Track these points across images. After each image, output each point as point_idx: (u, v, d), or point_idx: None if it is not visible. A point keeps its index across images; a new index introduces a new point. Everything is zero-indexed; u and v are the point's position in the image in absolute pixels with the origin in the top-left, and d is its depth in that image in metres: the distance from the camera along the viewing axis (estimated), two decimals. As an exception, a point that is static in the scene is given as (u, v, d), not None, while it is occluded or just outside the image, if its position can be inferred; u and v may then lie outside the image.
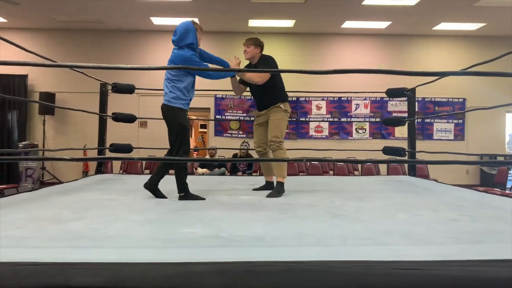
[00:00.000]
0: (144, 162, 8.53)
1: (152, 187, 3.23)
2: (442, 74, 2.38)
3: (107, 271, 1.31)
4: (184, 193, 3.15)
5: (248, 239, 1.86)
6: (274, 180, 3.60)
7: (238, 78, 3.70)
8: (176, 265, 1.38)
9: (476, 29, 9.32)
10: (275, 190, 3.45)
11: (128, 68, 2.20)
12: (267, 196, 3.32)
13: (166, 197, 3.18)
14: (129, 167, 8.10)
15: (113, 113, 4.65)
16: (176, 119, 3.24)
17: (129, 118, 4.79)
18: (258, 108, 3.76)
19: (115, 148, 4.53)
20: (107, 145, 4.79)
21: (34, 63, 2.20)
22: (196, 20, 8.74)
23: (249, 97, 9.72)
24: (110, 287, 1.26)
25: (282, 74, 3.70)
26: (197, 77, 3.42)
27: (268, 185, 3.75)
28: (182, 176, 3.18)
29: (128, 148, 4.60)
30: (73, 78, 8.63)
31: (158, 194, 3.21)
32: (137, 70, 2.15)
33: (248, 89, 3.82)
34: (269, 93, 3.62)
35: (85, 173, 8.95)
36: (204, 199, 3.14)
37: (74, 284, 1.30)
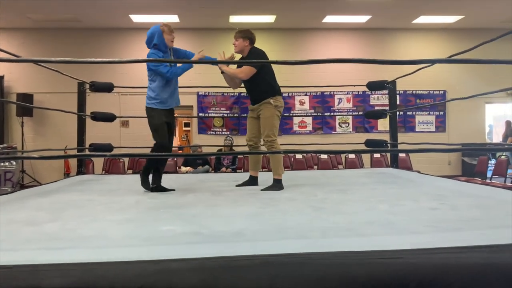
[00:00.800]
0: (126, 162, 8.41)
1: (159, 188, 3.34)
2: (419, 62, 2.38)
3: (77, 271, 1.26)
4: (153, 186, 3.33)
5: (228, 235, 1.83)
6: (264, 175, 3.62)
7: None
8: (151, 263, 1.34)
9: (454, 21, 9.45)
10: (272, 185, 3.41)
11: (101, 62, 2.14)
12: (262, 190, 3.32)
13: (174, 189, 3.37)
14: (111, 167, 7.97)
15: (91, 113, 4.57)
16: (148, 118, 3.42)
17: (108, 117, 4.71)
18: (251, 101, 3.69)
19: (95, 148, 4.45)
20: (87, 145, 4.70)
21: (6, 59, 2.12)
22: (175, 17, 8.68)
23: (232, 94, 9.69)
24: (81, 287, 1.22)
25: None
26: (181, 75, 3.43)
27: (251, 180, 3.70)
28: (147, 168, 3.38)
29: (108, 148, 4.53)
30: (51, 78, 8.47)
31: (165, 189, 3.35)
32: (111, 63, 2.10)
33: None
34: (258, 87, 3.54)
35: (67, 175, 8.79)
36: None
37: (45, 286, 1.26)
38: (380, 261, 1.35)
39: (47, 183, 4.25)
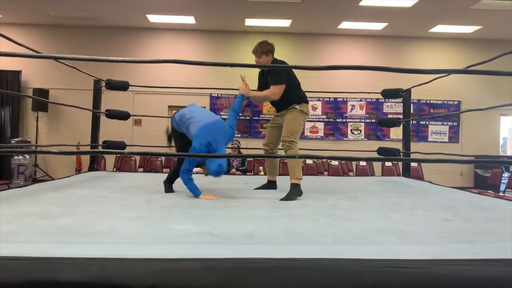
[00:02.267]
0: (137, 160, 8.48)
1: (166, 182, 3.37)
2: (435, 72, 2.37)
3: (93, 266, 1.28)
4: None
5: (239, 237, 1.83)
6: (280, 180, 3.54)
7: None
8: (164, 261, 1.35)
9: (472, 32, 9.36)
10: (289, 192, 3.19)
11: (119, 60, 2.17)
12: (281, 199, 3.06)
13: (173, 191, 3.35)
14: (123, 165, 8.05)
15: (106, 110, 4.62)
16: None
17: (122, 115, 4.76)
18: (276, 110, 3.62)
19: (108, 145, 4.50)
20: (100, 143, 4.75)
21: (25, 54, 2.16)
22: (191, 18, 8.75)
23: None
24: (96, 282, 1.24)
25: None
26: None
27: (270, 184, 3.66)
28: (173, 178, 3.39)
29: (121, 145, 4.57)
30: (67, 74, 8.59)
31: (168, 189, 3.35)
32: (129, 63, 2.12)
33: None
34: (284, 98, 3.45)
35: (78, 171, 8.89)
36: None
37: (61, 279, 1.27)
38: (393, 270, 1.34)
39: (60, 178, 4.31)
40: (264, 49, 3.45)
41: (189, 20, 8.94)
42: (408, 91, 4.92)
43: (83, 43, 9.46)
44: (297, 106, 3.44)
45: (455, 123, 9.98)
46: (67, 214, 2.27)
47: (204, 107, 9.73)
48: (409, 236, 1.94)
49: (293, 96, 3.46)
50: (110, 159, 8.62)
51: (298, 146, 3.45)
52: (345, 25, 9.14)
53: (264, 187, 3.66)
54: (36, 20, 9.25)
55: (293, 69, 3.52)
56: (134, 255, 1.40)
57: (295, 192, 3.21)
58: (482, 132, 9.96)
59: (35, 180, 8.58)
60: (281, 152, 3.64)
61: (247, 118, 9.60)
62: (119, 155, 8.36)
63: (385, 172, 7.99)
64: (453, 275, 1.37)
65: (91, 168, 5.02)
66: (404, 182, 4.61)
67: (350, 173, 8.54)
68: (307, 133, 9.61)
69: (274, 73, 3.42)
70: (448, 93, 9.80)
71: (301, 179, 3.31)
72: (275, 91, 3.39)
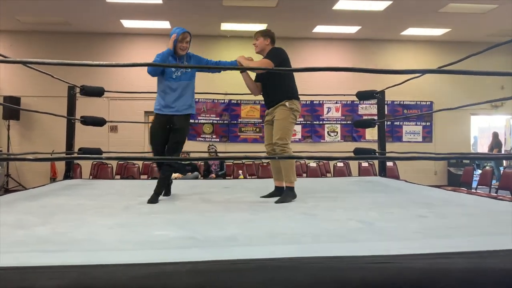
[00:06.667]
0: (114, 167, 8.34)
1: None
2: (409, 72, 2.43)
3: (73, 273, 1.25)
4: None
5: (221, 240, 1.84)
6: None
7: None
8: (146, 266, 1.34)
9: (441, 34, 9.65)
10: (284, 195, 3.18)
11: (93, 64, 2.13)
12: (276, 202, 3.06)
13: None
14: (99, 172, 7.90)
15: (81, 117, 4.53)
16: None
17: (98, 122, 4.69)
18: (266, 106, 3.50)
19: (84, 152, 4.41)
20: (76, 150, 4.65)
21: (-4, 62, 2.11)
22: (166, 23, 8.70)
23: (222, 101, 9.70)
24: (76, 290, 1.21)
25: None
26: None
27: (277, 191, 3.37)
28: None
29: (97, 152, 4.49)
30: (40, 81, 8.41)
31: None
32: (103, 67, 2.09)
33: None
34: (274, 90, 3.35)
35: (53, 180, 8.67)
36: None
37: (39, 288, 1.24)
38: (373, 266, 1.37)
39: (34, 187, 4.20)
40: (263, 33, 3.42)
41: (164, 25, 8.87)
42: (382, 92, 5.03)
43: (56, 49, 9.25)
44: (287, 103, 3.29)
45: (428, 123, 10.25)
46: (43, 223, 2.21)
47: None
48: (388, 233, 1.98)
49: (286, 89, 3.33)
50: (86, 167, 8.44)
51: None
52: (319, 28, 9.27)
53: (272, 194, 3.37)
54: (5, 26, 8.98)
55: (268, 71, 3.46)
56: (115, 261, 1.38)
57: (289, 194, 3.18)
58: (454, 131, 10.26)
59: (7, 191, 8.31)
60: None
61: (225, 122, 9.59)
62: (95, 163, 8.20)
63: (362, 172, 8.12)
64: (431, 268, 1.42)
65: (67, 176, 4.90)
66: (380, 181, 4.70)
67: (328, 174, 8.64)
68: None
69: (270, 53, 3.34)
70: (421, 94, 10.07)
71: (295, 180, 3.26)
72: (264, 62, 3.27)
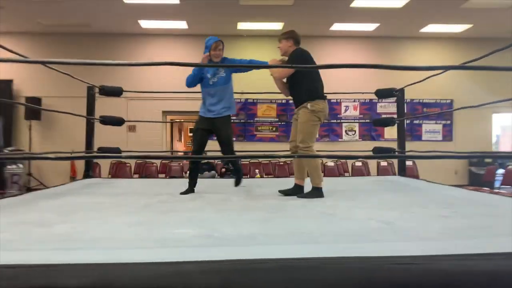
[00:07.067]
0: (133, 166, 8.44)
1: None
2: (430, 69, 2.38)
3: (93, 271, 1.26)
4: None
5: (240, 238, 1.83)
6: (306, 183, 3.41)
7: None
8: (166, 265, 1.34)
9: (462, 31, 9.44)
10: (309, 192, 3.25)
11: (111, 64, 2.15)
12: (298, 196, 3.21)
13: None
14: (118, 171, 8.00)
15: (100, 116, 4.59)
16: None
17: (117, 121, 4.74)
18: (294, 104, 3.55)
19: (103, 151, 4.47)
20: (95, 150, 4.72)
21: (14, 59, 2.14)
22: (183, 23, 8.75)
23: (239, 100, 9.71)
24: (98, 288, 1.22)
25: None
26: (184, 79, 3.61)
27: (295, 189, 3.42)
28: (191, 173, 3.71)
29: (116, 152, 4.54)
30: (59, 82, 8.55)
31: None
32: (122, 66, 2.10)
33: None
34: (296, 90, 3.40)
35: (73, 179, 8.82)
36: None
37: (60, 286, 1.26)
38: (396, 267, 1.34)
39: (55, 186, 4.27)
40: (286, 35, 3.47)
41: (182, 25, 8.93)
42: (401, 90, 4.95)
43: (76, 50, 9.40)
44: (308, 105, 3.28)
45: (448, 122, 10.05)
46: (64, 221, 2.25)
47: (198, 112, 9.72)
48: (409, 233, 1.94)
49: (308, 90, 3.33)
50: (105, 166, 8.57)
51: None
52: (337, 26, 9.18)
53: (289, 191, 3.41)
54: (26, 28, 9.19)
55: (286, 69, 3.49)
56: (135, 260, 1.38)
57: (314, 193, 3.23)
58: (475, 130, 10.03)
59: (29, 190, 8.50)
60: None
61: (241, 121, 9.60)
62: (114, 162, 8.31)
63: (381, 171, 8.01)
64: (455, 270, 1.38)
65: (86, 175, 4.98)
66: (400, 181, 4.62)
67: (346, 174, 8.55)
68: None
69: (291, 55, 3.38)
70: (441, 92, 9.88)
71: (321, 182, 3.27)
72: (279, 69, 3.40)
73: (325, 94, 3.43)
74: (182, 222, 2.25)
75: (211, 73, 3.53)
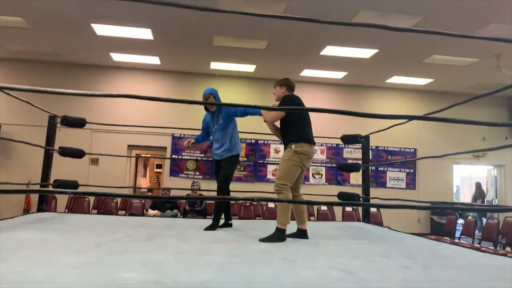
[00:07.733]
0: (92, 202, 8.08)
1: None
2: (396, 118, 2.42)
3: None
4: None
5: (191, 285, 1.70)
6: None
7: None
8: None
9: (425, 84, 9.92)
10: (270, 235, 3.20)
11: (68, 93, 2.05)
12: (260, 240, 3.15)
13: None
14: (76, 206, 7.63)
15: (60, 147, 4.41)
16: None
17: (77, 153, 4.56)
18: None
19: (59, 184, 4.26)
20: (52, 182, 4.48)
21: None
22: (156, 59, 8.76)
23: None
24: None
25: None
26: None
27: (299, 233, 3.45)
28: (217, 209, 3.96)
29: (73, 185, 4.34)
30: (21, 110, 8.28)
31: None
32: (83, 96, 2.01)
33: None
34: (285, 132, 3.51)
35: (27, 212, 8.34)
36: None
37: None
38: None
39: (4, 219, 3.98)
40: (280, 82, 3.64)
41: (154, 60, 8.94)
42: (367, 137, 5.04)
43: (44, 79, 9.18)
44: (293, 146, 3.37)
45: (411, 170, 10.31)
46: (2, 259, 2.05)
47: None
48: (370, 284, 1.88)
49: (293, 133, 3.43)
50: (62, 200, 8.16)
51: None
52: (307, 72, 9.44)
53: (293, 235, 3.42)
54: (-7, 54, 8.94)
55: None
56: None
57: (276, 236, 3.20)
58: (437, 179, 10.33)
59: (-24, 221, 7.93)
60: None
61: (209, 159, 9.50)
62: (71, 196, 7.94)
63: (346, 217, 8.02)
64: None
65: (40, 209, 4.69)
66: (364, 227, 4.60)
67: (312, 218, 8.50)
68: (269, 175, 9.59)
69: (281, 101, 3.53)
70: (405, 141, 10.20)
71: (287, 223, 3.26)
72: (271, 113, 3.51)
73: (313, 139, 3.54)
74: (133, 265, 2.10)
75: (212, 123, 4.00)
